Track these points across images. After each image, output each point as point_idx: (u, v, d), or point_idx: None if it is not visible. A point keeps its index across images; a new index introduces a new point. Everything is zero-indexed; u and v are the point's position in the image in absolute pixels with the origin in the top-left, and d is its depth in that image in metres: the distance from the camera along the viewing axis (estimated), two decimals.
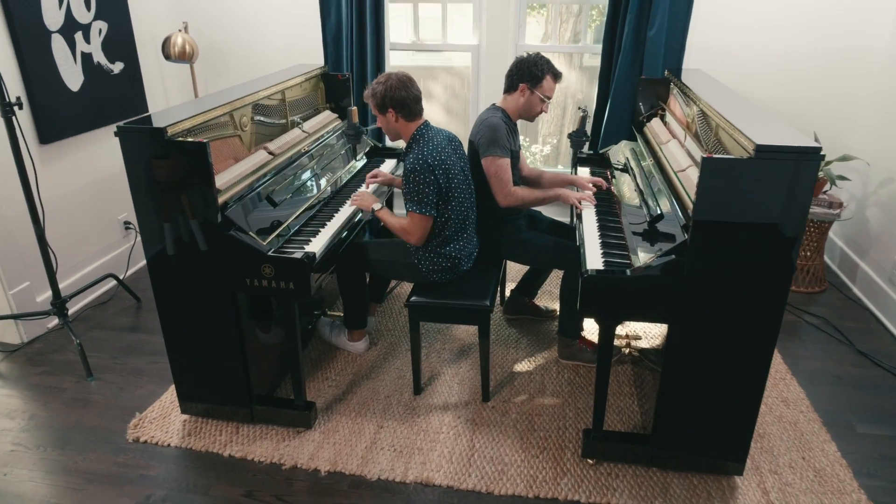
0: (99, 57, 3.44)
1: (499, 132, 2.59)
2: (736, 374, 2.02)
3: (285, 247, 2.34)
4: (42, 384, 2.78)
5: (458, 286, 2.61)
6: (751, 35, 3.56)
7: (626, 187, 2.76)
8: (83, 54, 3.33)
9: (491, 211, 2.73)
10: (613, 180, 2.98)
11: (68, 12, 3.20)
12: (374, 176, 2.91)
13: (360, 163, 3.31)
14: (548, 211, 3.83)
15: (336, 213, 2.69)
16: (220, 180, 2.28)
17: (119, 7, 3.54)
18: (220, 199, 2.19)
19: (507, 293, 3.39)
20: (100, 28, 3.42)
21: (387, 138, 3.98)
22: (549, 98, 2.67)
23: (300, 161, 2.80)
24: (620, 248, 2.30)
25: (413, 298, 2.55)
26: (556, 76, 2.65)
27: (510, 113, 2.71)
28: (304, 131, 3.01)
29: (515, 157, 2.74)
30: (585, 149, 3.43)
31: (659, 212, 2.22)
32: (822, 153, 1.70)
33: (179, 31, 3.62)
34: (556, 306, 3.33)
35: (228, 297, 2.25)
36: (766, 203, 1.77)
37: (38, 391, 2.73)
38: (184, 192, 2.09)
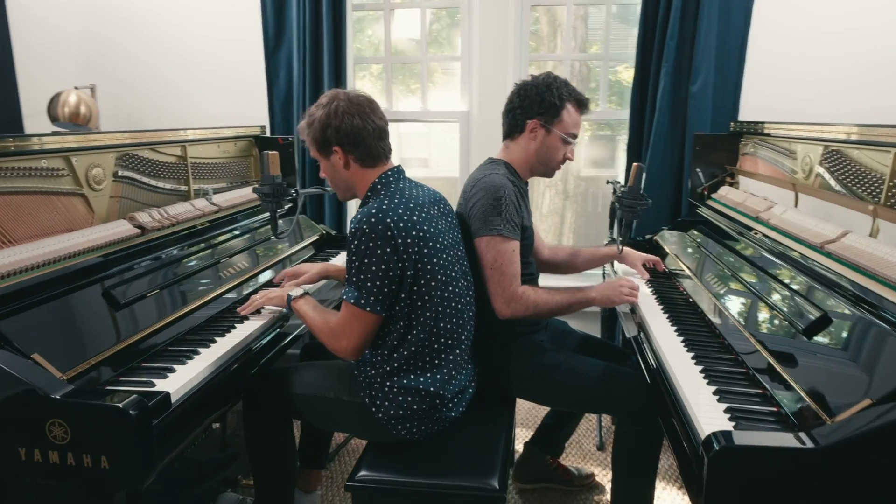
0: None
1: (502, 198, 1.60)
2: None
3: (119, 381, 1.26)
4: None
5: (442, 447, 1.50)
6: (820, 89, 2.74)
7: (710, 278, 1.74)
8: None
9: (492, 319, 1.68)
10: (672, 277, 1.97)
11: None
12: (294, 276, 1.88)
13: (303, 253, 2.29)
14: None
15: (239, 324, 1.63)
16: (7, 257, 1.25)
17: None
18: None
19: (518, 448, 2.26)
20: None
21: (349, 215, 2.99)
22: (576, 137, 1.74)
23: (192, 243, 1.79)
24: (739, 378, 1.24)
25: (362, 474, 1.42)
26: (583, 104, 1.73)
27: (518, 167, 1.75)
28: (212, 204, 2.02)
29: (529, 236, 1.75)
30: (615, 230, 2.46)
31: (818, 314, 1.19)
32: None
33: (75, 88, 2.75)
34: (594, 468, 2.19)
35: None
36: None
37: None
38: None
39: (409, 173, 1.59)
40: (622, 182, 2.46)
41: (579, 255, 2.02)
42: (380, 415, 1.48)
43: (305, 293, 1.64)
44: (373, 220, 1.38)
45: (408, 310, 1.44)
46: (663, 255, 2.18)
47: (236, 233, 2.00)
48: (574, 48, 3.22)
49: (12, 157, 1.38)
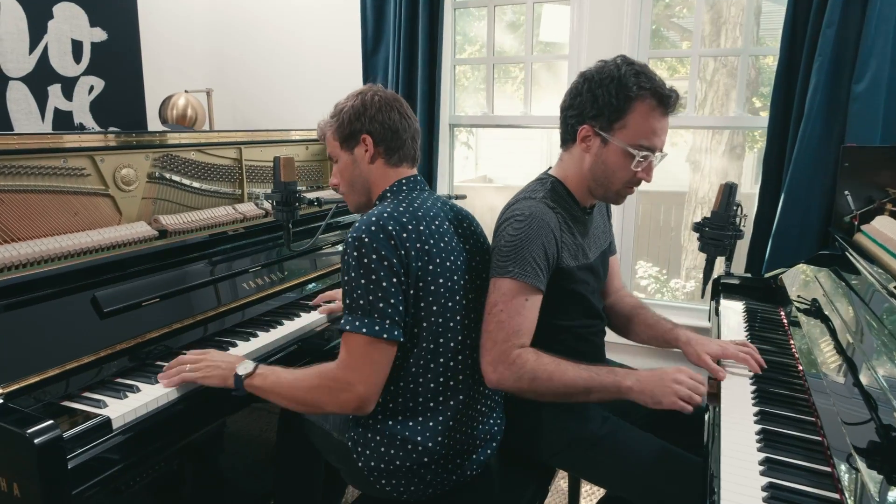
0: (84, 118, 2.76)
1: (528, 231, 1.23)
2: None
3: (80, 397, 1.18)
4: None
5: None
6: None
7: (827, 349, 1.27)
8: (58, 111, 2.66)
9: None
10: (791, 331, 1.49)
11: (43, 61, 2.57)
12: (329, 299, 1.70)
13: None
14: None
15: (243, 341, 1.50)
16: None
17: (126, 65, 2.90)
18: None
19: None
20: (91, 85, 2.77)
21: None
22: (652, 152, 1.28)
23: (215, 251, 1.69)
24: None
25: None
26: (665, 100, 1.25)
27: (573, 187, 1.36)
28: (260, 209, 1.94)
29: (584, 278, 1.35)
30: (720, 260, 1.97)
31: None
32: None
33: (185, 91, 2.88)
34: None
35: None
36: None
37: None
38: None
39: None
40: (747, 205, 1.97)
41: (640, 317, 1.50)
42: (360, 463, 1.25)
43: (256, 366, 1.24)
44: (373, 227, 1.16)
45: (410, 330, 1.20)
46: (786, 300, 1.69)
47: (270, 242, 1.87)
48: (740, 42, 2.75)
49: (24, 156, 1.37)
